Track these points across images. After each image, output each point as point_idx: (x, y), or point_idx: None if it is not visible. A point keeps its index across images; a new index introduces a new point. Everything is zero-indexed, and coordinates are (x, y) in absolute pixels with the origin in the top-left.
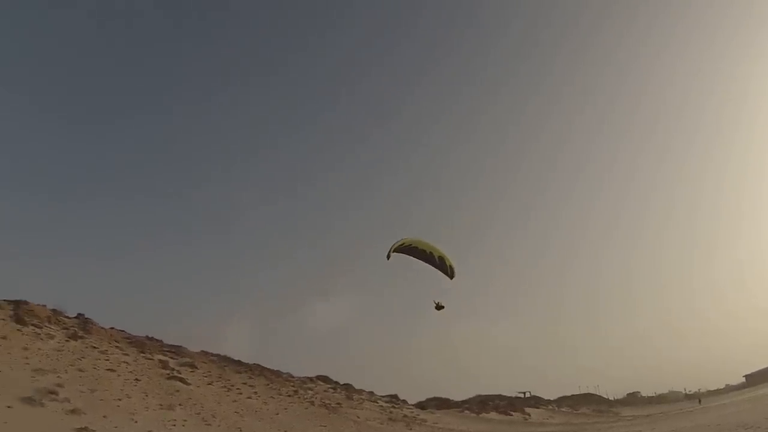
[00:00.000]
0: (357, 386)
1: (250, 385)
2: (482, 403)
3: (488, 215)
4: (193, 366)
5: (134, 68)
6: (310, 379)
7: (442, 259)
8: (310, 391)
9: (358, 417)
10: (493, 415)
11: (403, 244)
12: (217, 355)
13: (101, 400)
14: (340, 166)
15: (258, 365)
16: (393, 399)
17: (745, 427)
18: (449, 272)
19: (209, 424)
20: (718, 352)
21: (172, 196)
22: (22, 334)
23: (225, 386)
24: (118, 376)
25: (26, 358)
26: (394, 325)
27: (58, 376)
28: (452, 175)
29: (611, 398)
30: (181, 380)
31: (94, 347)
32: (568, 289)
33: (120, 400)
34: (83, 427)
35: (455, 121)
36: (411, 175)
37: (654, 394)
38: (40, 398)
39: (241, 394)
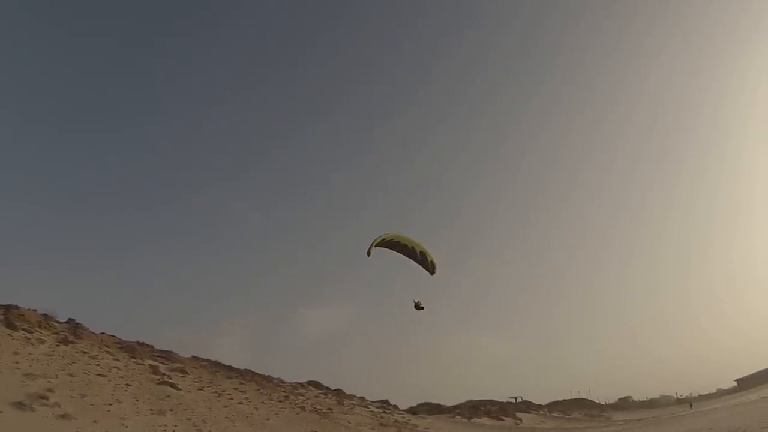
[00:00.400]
0: (348, 392)
1: (241, 391)
2: (474, 409)
3: (488, 215)
4: (183, 371)
5: (133, 73)
6: (301, 385)
7: (423, 254)
8: (301, 397)
9: (349, 422)
10: (484, 420)
11: (384, 239)
12: (208, 361)
13: (92, 405)
14: (343, 166)
15: (249, 371)
16: (384, 404)
17: None
18: (430, 268)
19: (200, 430)
20: (709, 357)
21: (164, 202)
22: (13, 338)
23: (216, 391)
24: (109, 381)
25: (17, 362)
26: (386, 331)
27: (49, 381)
28: (452, 175)
29: (603, 403)
30: (172, 385)
31: (85, 352)
32: (562, 294)
33: (110, 405)
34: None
35: (455, 122)
36: (414, 176)
37: (646, 399)
38: (31, 403)
39: (232, 399)
